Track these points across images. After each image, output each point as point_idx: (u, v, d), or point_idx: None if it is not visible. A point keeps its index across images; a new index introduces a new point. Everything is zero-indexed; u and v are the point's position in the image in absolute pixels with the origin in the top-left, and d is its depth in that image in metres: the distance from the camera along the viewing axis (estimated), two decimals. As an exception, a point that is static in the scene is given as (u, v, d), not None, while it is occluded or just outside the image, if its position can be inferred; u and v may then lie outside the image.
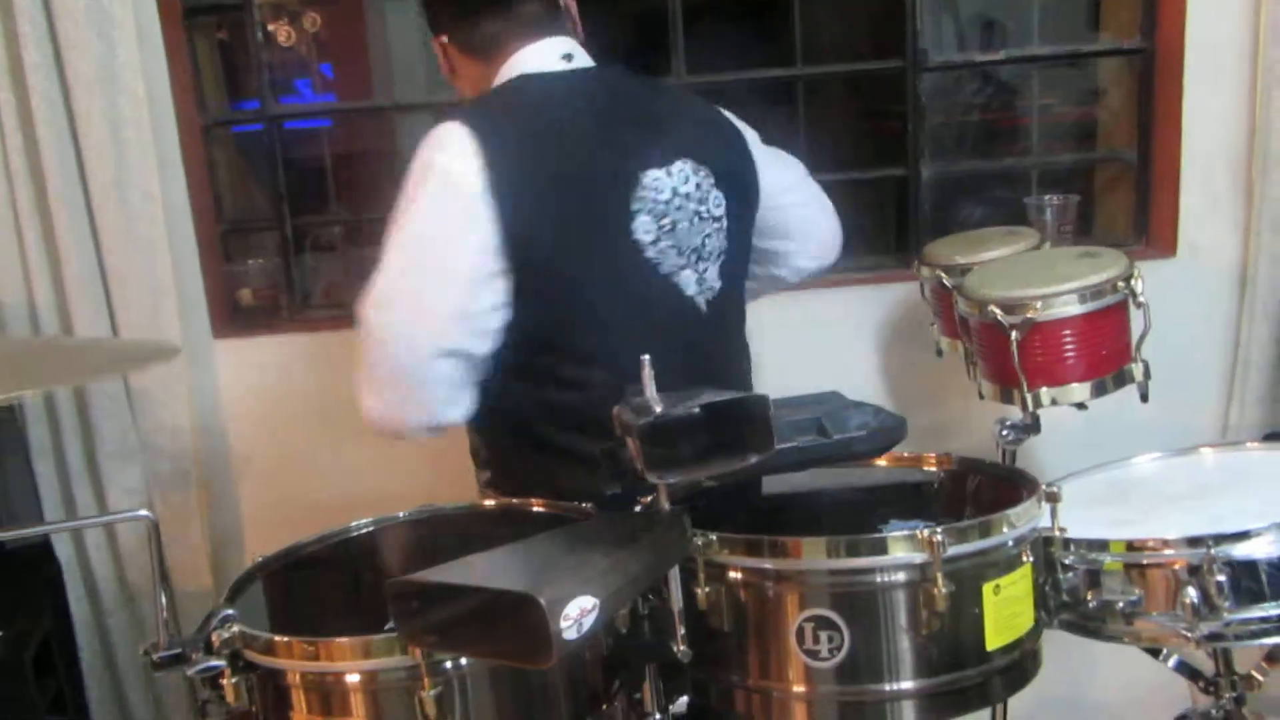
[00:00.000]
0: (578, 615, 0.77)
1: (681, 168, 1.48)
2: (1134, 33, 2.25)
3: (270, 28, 2.71)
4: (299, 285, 2.31)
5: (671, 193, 1.46)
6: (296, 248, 2.32)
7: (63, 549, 2.12)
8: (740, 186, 1.57)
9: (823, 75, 2.36)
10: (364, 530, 1.33)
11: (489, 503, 1.41)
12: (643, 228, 1.43)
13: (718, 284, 1.52)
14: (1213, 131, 2.18)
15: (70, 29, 1.92)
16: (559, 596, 0.75)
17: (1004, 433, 1.67)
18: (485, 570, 0.82)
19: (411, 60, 2.93)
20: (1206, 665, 1.33)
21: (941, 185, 2.32)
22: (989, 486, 1.34)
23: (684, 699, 1.22)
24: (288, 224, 2.28)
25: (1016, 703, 2.04)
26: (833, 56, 2.47)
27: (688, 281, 1.49)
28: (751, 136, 1.65)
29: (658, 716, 1.14)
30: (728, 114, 1.63)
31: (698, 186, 1.49)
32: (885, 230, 2.58)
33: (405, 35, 2.93)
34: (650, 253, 1.45)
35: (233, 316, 2.29)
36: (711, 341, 1.55)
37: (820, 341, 2.23)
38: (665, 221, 1.46)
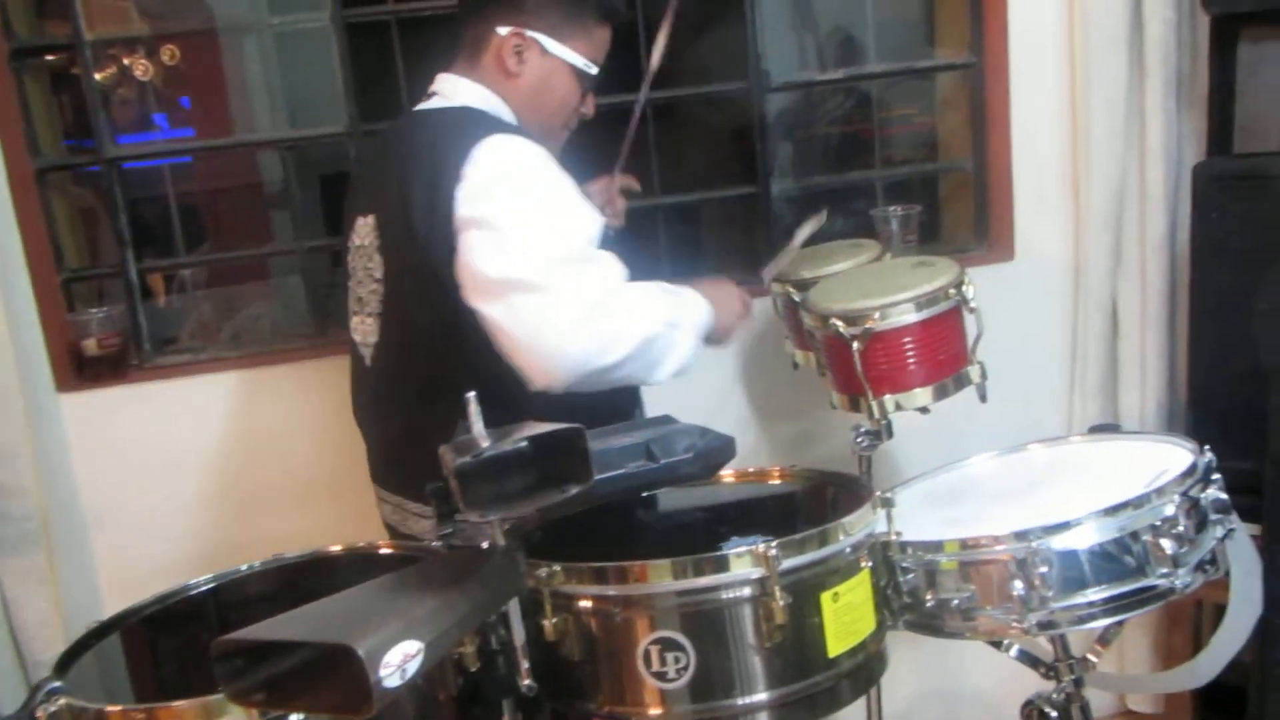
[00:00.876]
0: (400, 661, 0.76)
1: (365, 220, 1.55)
2: (964, 48, 2.36)
3: (126, 61, 2.64)
4: (148, 332, 2.23)
5: (358, 243, 1.57)
6: (166, 288, 2.25)
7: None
8: (411, 254, 1.43)
9: (670, 99, 2.39)
10: (203, 588, 1.29)
11: (334, 548, 1.39)
12: (350, 269, 1.59)
13: (375, 339, 1.55)
14: (1039, 138, 2.30)
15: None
16: (378, 644, 0.75)
17: (858, 440, 1.71)
18: (307, 622, 0.80)
19: (270, 93, 2.89)
20: (1047, 652, 1.39)
21: (797, 199, 2.38)
22: (832, 495, 1.38)
23: (546, 731, 1.22)
24: (132, 269, 2.20)
25: (894, 699, 2.12)
26: (688, 77, 2.51)
27: (356, 329, 1.60)
28: (472, 193, 1.39)
29: (518, 753, 1.14)
30: (470, 162, 1.39)
31: (368, 244, 1.54)
32: (741, 247, 2.64)
33: (261, 68, 2.88)
34: (350, 295, 1.60)
35: (79, 368, 2.20)
36: (379, 393, 1.60)
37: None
38: (353, 267, 1.57)
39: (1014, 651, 1.38)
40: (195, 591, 1.28)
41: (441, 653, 0.81)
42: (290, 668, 0.82)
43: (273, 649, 0.81)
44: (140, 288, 2.23)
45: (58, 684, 1.01)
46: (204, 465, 2.15)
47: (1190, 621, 2.28)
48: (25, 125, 2.14)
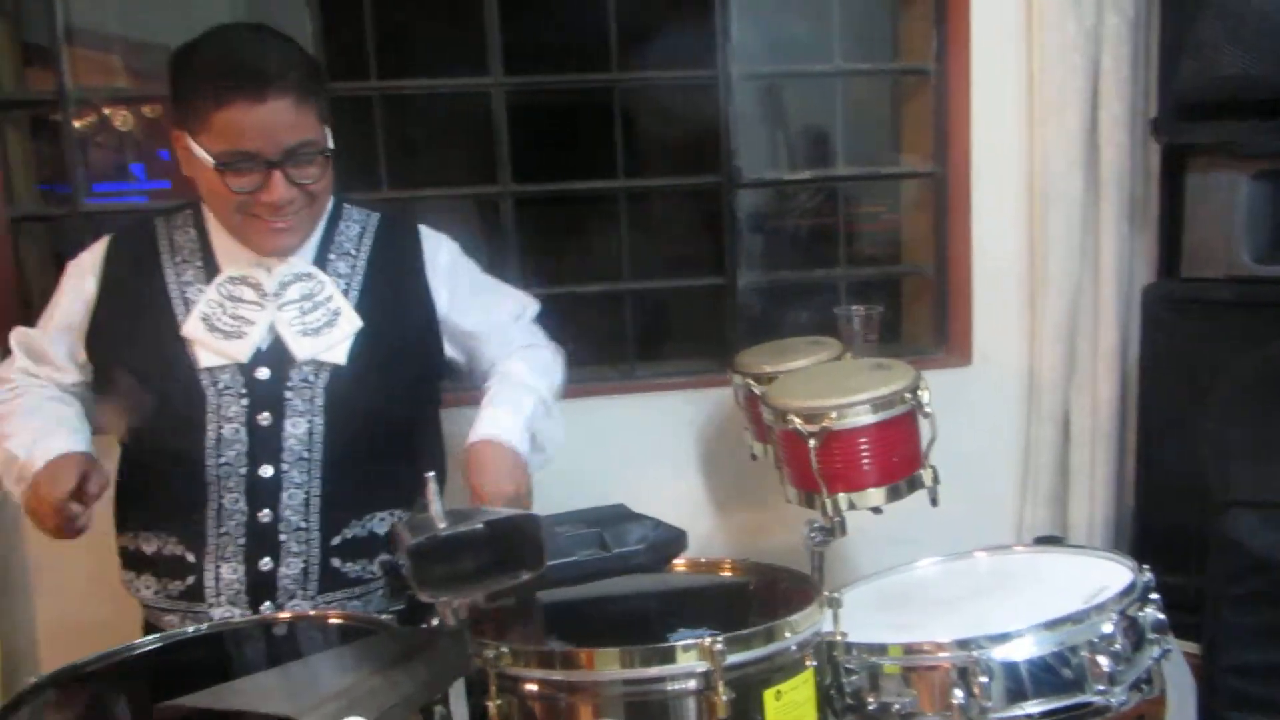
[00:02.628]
0: (343, 741, 0.76)
1: None
2: (928, 158, 2.44)
3: (106, 111, 2.66)
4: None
5: None
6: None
7: None
8: None
9: (643, 188, 2.45)
10: (148, 648, 1.28)
11: (282, 615, 1.38)
12: None
13: None
14: (999, 249, 2.38)
15: None
16: (336, 712, 0.75)
17: (811, 535, 1.73)
18: (251, 692, 0.80)
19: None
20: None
21: (764, 291, 2.44)
22: (783, 590, 1.39)
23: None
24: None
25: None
26: (659, 167, 2.57)
27: None
28: None
29: None
30: None
31: None
32: (701, 339, 2.68)
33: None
34: None
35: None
36: None
37: (641, 444, 2.28)
38: None
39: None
40: (139, 652, 1.26)
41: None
42: None
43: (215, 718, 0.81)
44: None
45: (-12, 747, 0.99)
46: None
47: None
48: (4, 174, 2.16)
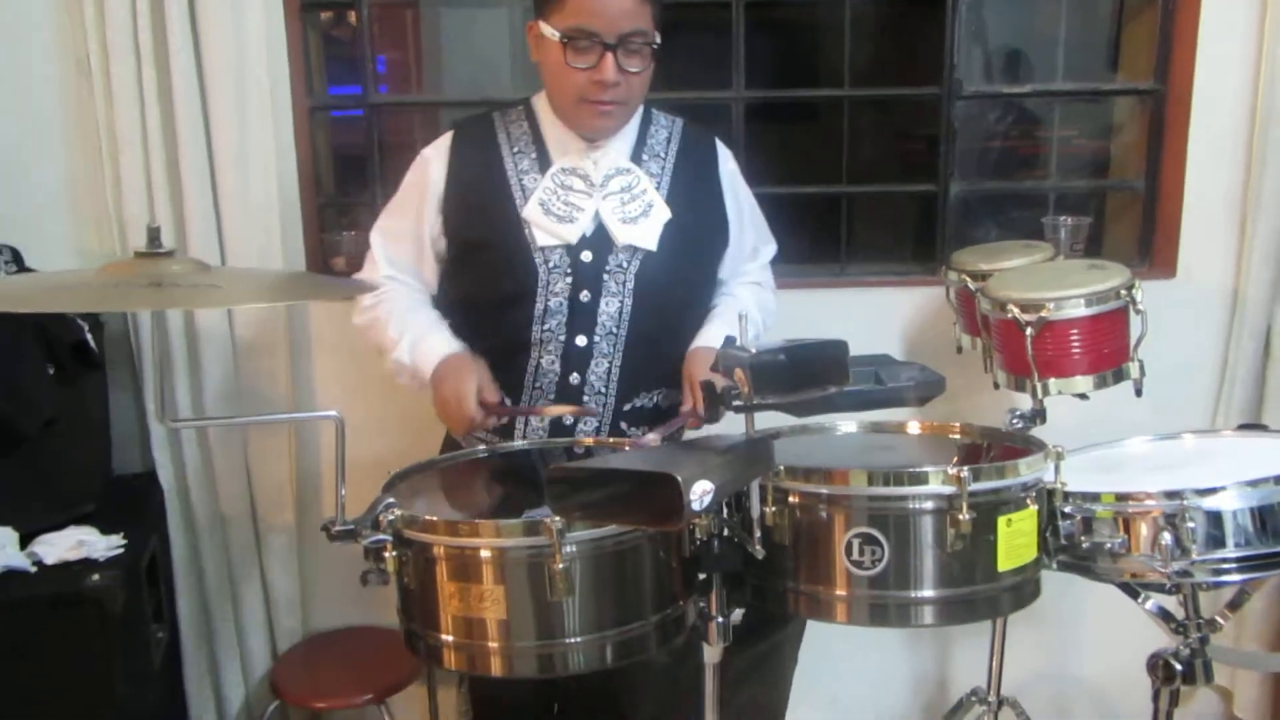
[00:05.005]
0: (700, 494, 1.02)
1: None
2: (1149, 75, 2.51)
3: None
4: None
5: None
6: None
7: (165, 477, 2.37)
8: None
9: (864, 97, 2.61)
10: (480, 455, 1.59)
11: (587, 441, 1.68)
12: None
13: None
14: (1214, 169, 2.44)
15: (209, 19, 2.18)
16: (689, 477, 1.00)
17: (1013, 420, 1.90)
18: (630, 461, 1.07)
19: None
20: (1178, 612, 1.58)
21: (965, 203, 2.58)
22: (1005, 451, 1.59)
23: (739, 611, 1.45)
24: (379, 200, 2.53)
25: (1012, 675, 2.31)
26: (880, 79, 2.72)
27: None
28: None
29: (719, 619, 1.38)
30: None
31: None
32: (906, 243, 2.83)
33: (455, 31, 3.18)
34: None
35: (326, 273, 2.53)
36: None
37: (849, 336, 2.46)
38: None
39: (1150, 605, 1.56)
40: (474, 457, 1.57)
41: (720, 498, 1.06)
42: (605, 495, 1.08)
43: (595, 477, 1.08)
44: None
45: (391, 499, 1.31)
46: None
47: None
48: (305, 68, 2.49)
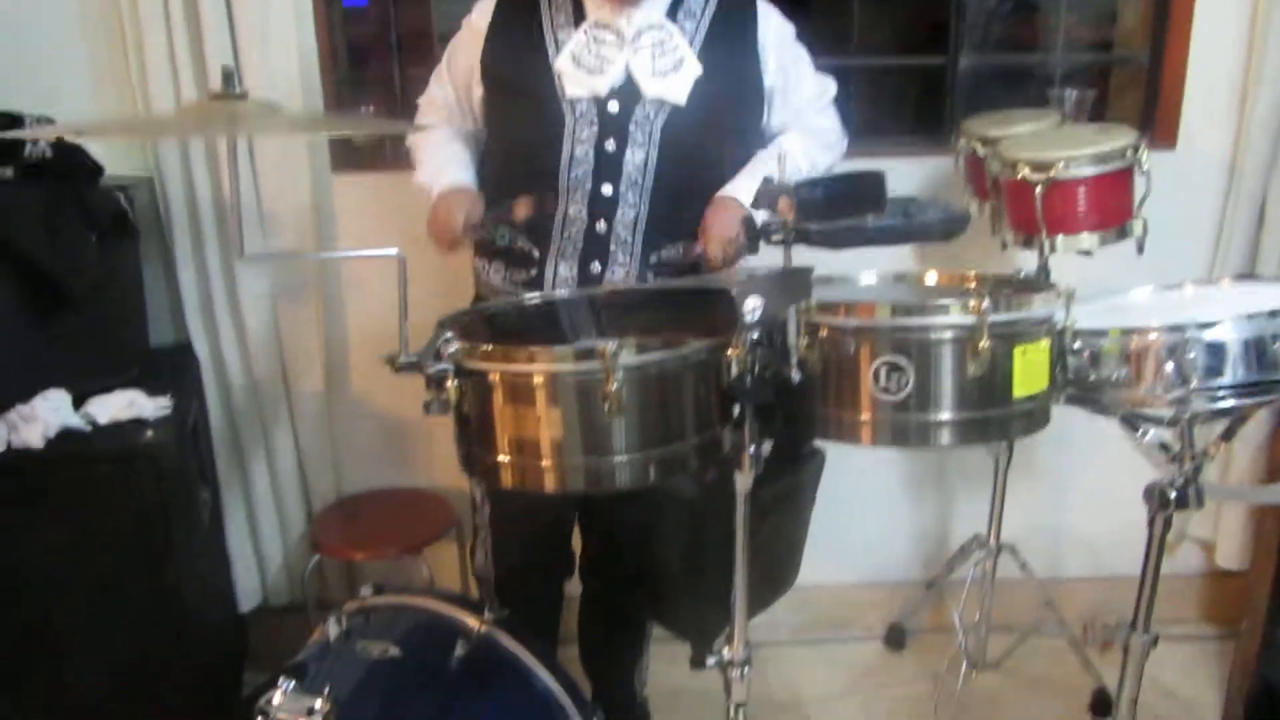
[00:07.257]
0: (751, 308, 1.11)
1: None
2: (1156, -55, 2.54)
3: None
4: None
5: None
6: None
7: (200, 346, 2.45)
8: None
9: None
10: (515, 302, 1.69)
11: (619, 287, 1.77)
12: None
13: None
14: (1217, 46, 2.49)
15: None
16: (741, 293, 1.10)
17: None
18: (679, 283, 1.16)
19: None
20: (1175, 446, 1.69)
21: (980, 73, 2.63)
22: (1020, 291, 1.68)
23: (769, 443, 1.56)
24: (396, 80, 2.57)
25: (1010, 528, 2.45)
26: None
27: None
28: None
29: (752, 448, 1.48)
30: None
31: None
32: (906, 119, 2.88)
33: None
34: None
35: (347, 156, 2.59)
36: None
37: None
38: None
39: (1150, 436, 1.67)
40: (525, 303, 1.66)
41: (766, 316, 1.15)
42: (657, 315, 1.18)
43: (647, 298, 1.17)
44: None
45: (449, 334, 1.39)
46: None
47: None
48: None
